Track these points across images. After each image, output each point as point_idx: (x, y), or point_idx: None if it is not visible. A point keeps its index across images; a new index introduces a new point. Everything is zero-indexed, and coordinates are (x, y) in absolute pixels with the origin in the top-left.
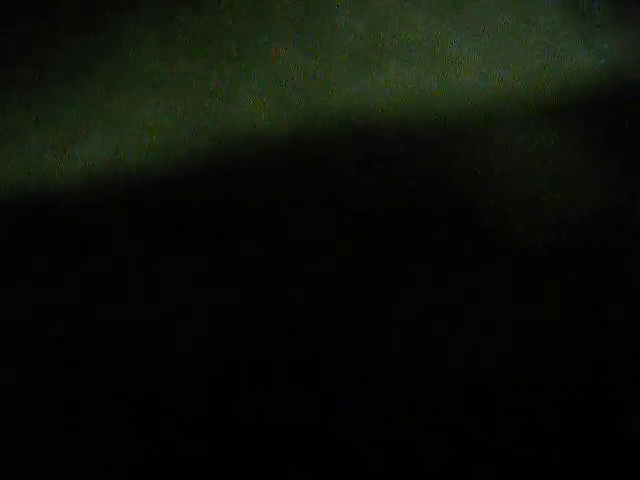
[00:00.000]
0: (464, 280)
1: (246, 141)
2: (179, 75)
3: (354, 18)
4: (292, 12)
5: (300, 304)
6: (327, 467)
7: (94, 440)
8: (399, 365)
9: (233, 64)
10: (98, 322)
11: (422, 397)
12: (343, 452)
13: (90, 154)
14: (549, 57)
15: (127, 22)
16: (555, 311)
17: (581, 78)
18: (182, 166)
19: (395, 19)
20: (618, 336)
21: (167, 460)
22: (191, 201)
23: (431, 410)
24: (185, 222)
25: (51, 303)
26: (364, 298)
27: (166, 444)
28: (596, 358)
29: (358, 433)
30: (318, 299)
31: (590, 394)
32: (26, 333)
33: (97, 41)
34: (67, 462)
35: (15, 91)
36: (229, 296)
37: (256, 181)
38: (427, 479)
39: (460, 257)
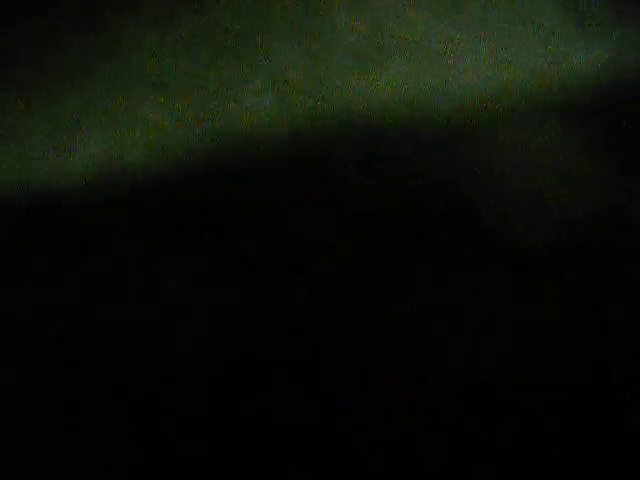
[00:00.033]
0: (464, 280)
1: (246, 141)
2: (179, 75)
3: (354, 18)
4: (292, 12)
5: (300, 304)
6: (327, 467)
7: (94, 440)
8: (399, 365)
9: (233, 64)
10: (98, 322)
11: (422, 397)
12: (343, 452)
13: (90, 154)
14: (548, 57)
15: (127, 22)
16: (555, 311)
17: (580, 78)
18: (182, 166)
19: (395, 19)
20: (618, 336)
21: (167, 460)
22: (191, 201)
23: (431, 410)
24: (185, 222)
25: (51, 303)
26: (364, 298)
27: (166, 444)
28: (596, 358)
29: (358, 433)
30: (318, 299)
31: (590, 394)
32: (26, 333)
33: (97, 41)
34: (67, 462)
35: (15, 91)
36: (229, 296)
37: (256, 181)
38: (427, 479)
39: (460, 257)
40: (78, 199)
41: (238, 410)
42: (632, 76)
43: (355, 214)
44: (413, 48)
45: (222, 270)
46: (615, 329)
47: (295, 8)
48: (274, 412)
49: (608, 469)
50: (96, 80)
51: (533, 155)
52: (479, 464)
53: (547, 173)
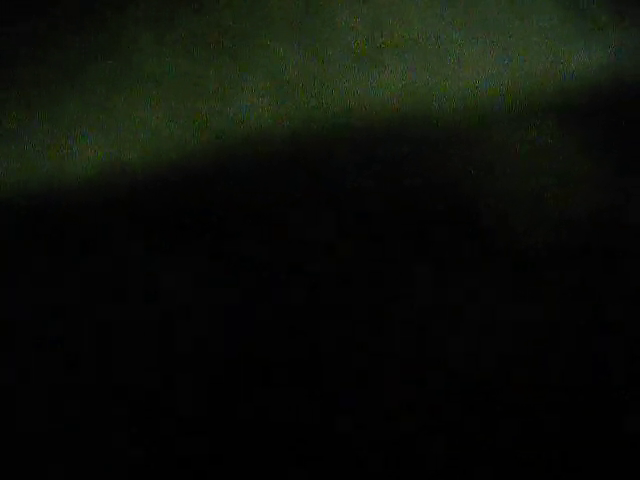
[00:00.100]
0: (464, 280)
1: (246, 141)
2: (179, 75)
3: (353, 18)
4: (292, 12)
5: (300, 304)
6: (327, 467)
7: (94, 440)
8: (399, 365)
9: (232, 64)
10: (98, 322)
11: (422, 397)
12: (343, 452)
13: (90, 154)
14: (548, 57)
15: (127, 22)
16: (555, 311)
17: (579, 79)
18: (182, 166)
19: (395, 18)
20: (618, 336)
21: (167, 460)
22: (191, 201)
23: (431, 410)
24: (185, 222)
25: (51, 303)
26: (364, 298)
27: (166, 444)
28: (596, 358)
29: (358, 433)
30: (318, 299)
31: (590, 394)
32: (26, 333)
33: (97, 41)
34: (67, 462)
35: (15, 91)
36: (229, 296)
37: (256, 181)
38: (427, 479)
39: (460, 257)
40: (78, 199)
41: (238, 410)
42: (631, 77)
43: (355, 214)
44: (412, 48)
45: (222, 270)
46: (615, 329)
47: (295, 8)
48: (274, 412)
49: (608, 469)
50: (96, 80)
51: (532, 155)
52: (479, 464)
53: (546, 173)
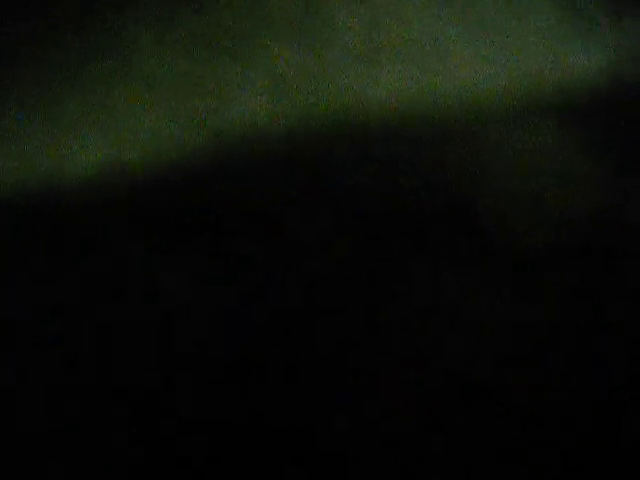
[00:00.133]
0: (462, 279)
1: (244, 140)
2: (178, 75)
3: (353, 17)
4: (291, 12)
5: (297, 303)
6: (325, 466)
7: (94, 440)
8: (397, 364)
9: (232, 64)
10: (98, 322)
11: (420, 397)
12: (341, 451)
13: (90, 154)
14: (546, 57)
15: (127, 22)
16: (555, 311)
17: (578, 79)
18: (181, 165)
19: (392, 18)
20: (618, 336)
21: (167, 460)
22: (190, 200)
23: (429, 409)
24: (184, 221)
25: (51, 302)
26: (362, 297)
27: (166, 444)
28: (596, 358)
29: (356, 432)
30: (315, 298)
31: (590, 394)
32: (26, 333)
33: (97, 41)
34: (67, 462)
35: (15, 91)
36: (228, 295)
37: (254, 180)
38: (425, 478)
39: (458, 256)
40: (78, 199)
41: (237, 409)
42: (630, 77)
43: (352, 213)
44: (410, 47)
45: (221, 269)
46: (615, 329)
47: (295, 8)
48: (272, 412)
49: (608, 469)
50: (96, 80)
51: (531, 155)
52: (478, 464)
53: (545, 173)
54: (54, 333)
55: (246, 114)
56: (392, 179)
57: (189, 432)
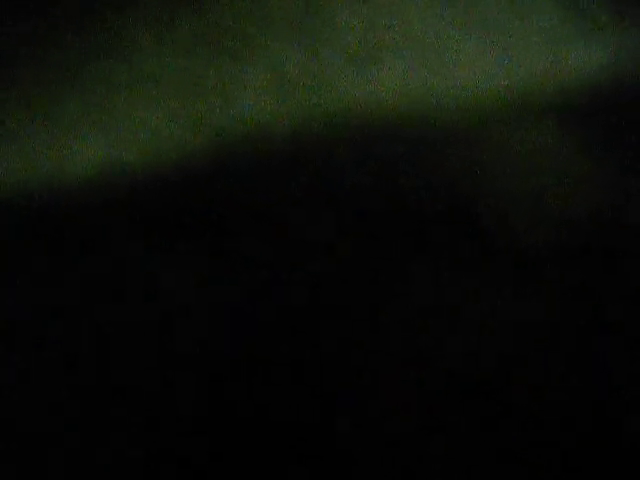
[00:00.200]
0: (463, 279)
1: (246, 140)
2: (179, 75)
3: (353, 17)
4: (292, 12)
5: (301, 303)
6: (327, 466)
7: (93, 440)
8: (398, 364)
9: (232, 64)
10: (98, 322)
11: (421, 397)
12: (343, 451)
13: (90, 154)
14: (548, 57)
15: (127, 22)
16: (555, 311)
17: (579, 78)
18: (182, 165)
19: (394, 18)
20: (618, 336)
21: (167, 460)
22: (191, 200)
23: (430, 410)
24: (185, 221)
25: (51, 303)
26: (363, 297)
27: (166, 444)
28: (596, 358)
29: (357, 432)
30: (319, 298)
31: (590, 394)
32: (26, 333)
33: (97, 41)
34: (67, 462)
35: (15, 91)
36: (230, 295)
37: (256, 180)
38: (426, 478)
39: (459, 256)
40: (78, 199)
41: (238, 409)
42: (631, 77)
43: (354, 213)
44: (411, 47)
45: (223, 269)
46: (615, 329)
47: (295, 8)
48: (274, 411)
49: (608, 469)
50: (96, 80)
51: (531, 155)
52: (479, 464)
53: (546, 173)
54: (54, 333)
55: (248, 114)
56: (393, 179)
57: (189, 432)
